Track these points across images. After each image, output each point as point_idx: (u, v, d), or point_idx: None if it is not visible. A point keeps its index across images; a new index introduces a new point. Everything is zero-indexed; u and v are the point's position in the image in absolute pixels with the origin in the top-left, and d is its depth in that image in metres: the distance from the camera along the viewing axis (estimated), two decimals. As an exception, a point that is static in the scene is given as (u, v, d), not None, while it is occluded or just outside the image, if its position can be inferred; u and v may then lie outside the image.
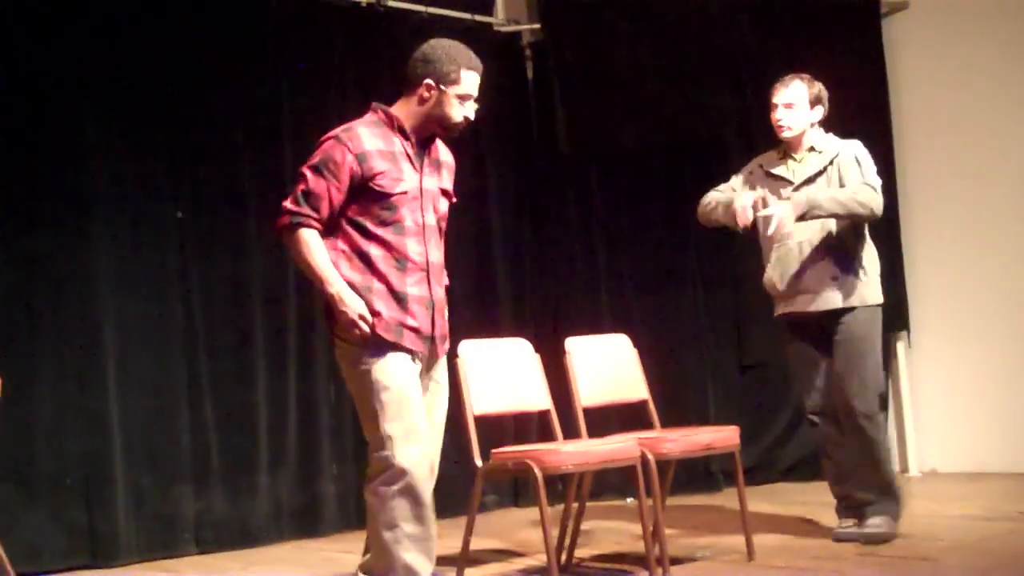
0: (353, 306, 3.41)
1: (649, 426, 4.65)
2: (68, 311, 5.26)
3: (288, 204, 3.50)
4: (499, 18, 7.13)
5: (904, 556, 4.30)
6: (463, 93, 3.51)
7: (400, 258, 3.49)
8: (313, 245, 3.46)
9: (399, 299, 3.48)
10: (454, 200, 3.71)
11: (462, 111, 3.53)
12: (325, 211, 3.46)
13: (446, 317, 3.67)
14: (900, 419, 6.80)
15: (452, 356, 4.24)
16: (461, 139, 3.74)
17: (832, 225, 4.57)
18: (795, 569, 4.20)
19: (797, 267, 4.61)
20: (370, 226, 3.47)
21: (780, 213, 4.44)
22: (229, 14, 5.87)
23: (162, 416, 5.45)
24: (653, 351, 5.19)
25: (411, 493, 3.42)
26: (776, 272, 4.68)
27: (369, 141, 3.48)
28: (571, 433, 4.52)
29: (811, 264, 4.59)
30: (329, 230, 3.49)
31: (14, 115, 5.21)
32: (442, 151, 3.70)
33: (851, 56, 6.79)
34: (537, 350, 4.55)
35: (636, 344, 4.83)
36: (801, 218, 4.45)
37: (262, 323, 5.76)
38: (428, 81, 3.50)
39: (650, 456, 4.14)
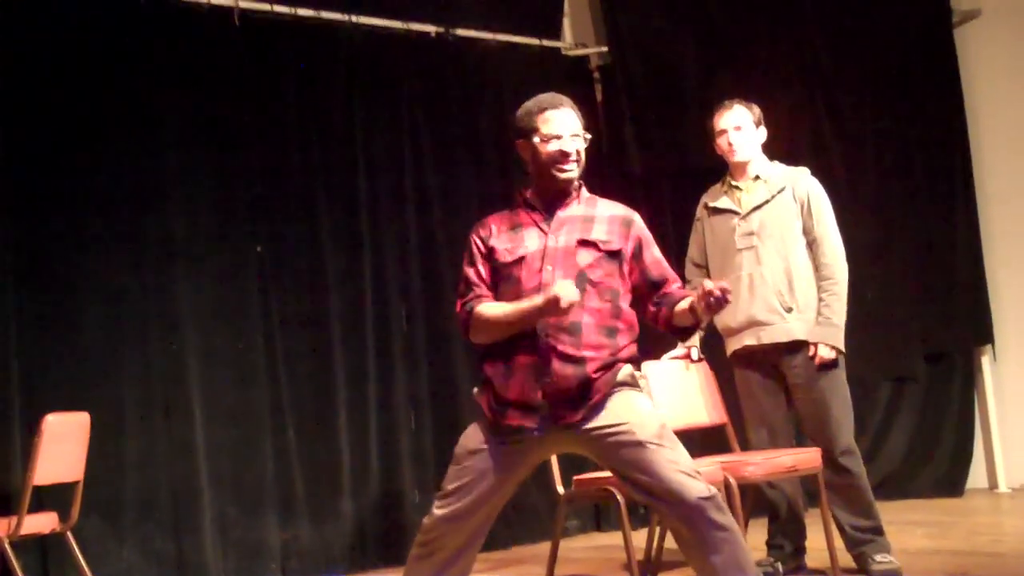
0: None
1: (728, 449, 4.62)
2: (153, 345, 5.38)
3: None
4: (567, 42, 7.16)
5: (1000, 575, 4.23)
6: None
7: None
8: None
9: None
10: None
11: None
12: None
13: None
14: (987, 435, 6.66)
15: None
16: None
17: (789, 258, 4.39)
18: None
19: (748, 299, 4.41)
20: None
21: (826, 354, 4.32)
22: (302, 48, 5.97)
23: (247, 446, 5.54)
24: (728, 371, 5.13)
25: None
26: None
27: None
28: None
29: (763, 296, 4.40)
30: None
31: (94, 155, 5.35)
32: None
33: (924, 66, 6.73)
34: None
35: (712, 366, 4.79)
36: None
37: (341, 352, 5.83)
38: None
39: (732, 481, 4.11)
